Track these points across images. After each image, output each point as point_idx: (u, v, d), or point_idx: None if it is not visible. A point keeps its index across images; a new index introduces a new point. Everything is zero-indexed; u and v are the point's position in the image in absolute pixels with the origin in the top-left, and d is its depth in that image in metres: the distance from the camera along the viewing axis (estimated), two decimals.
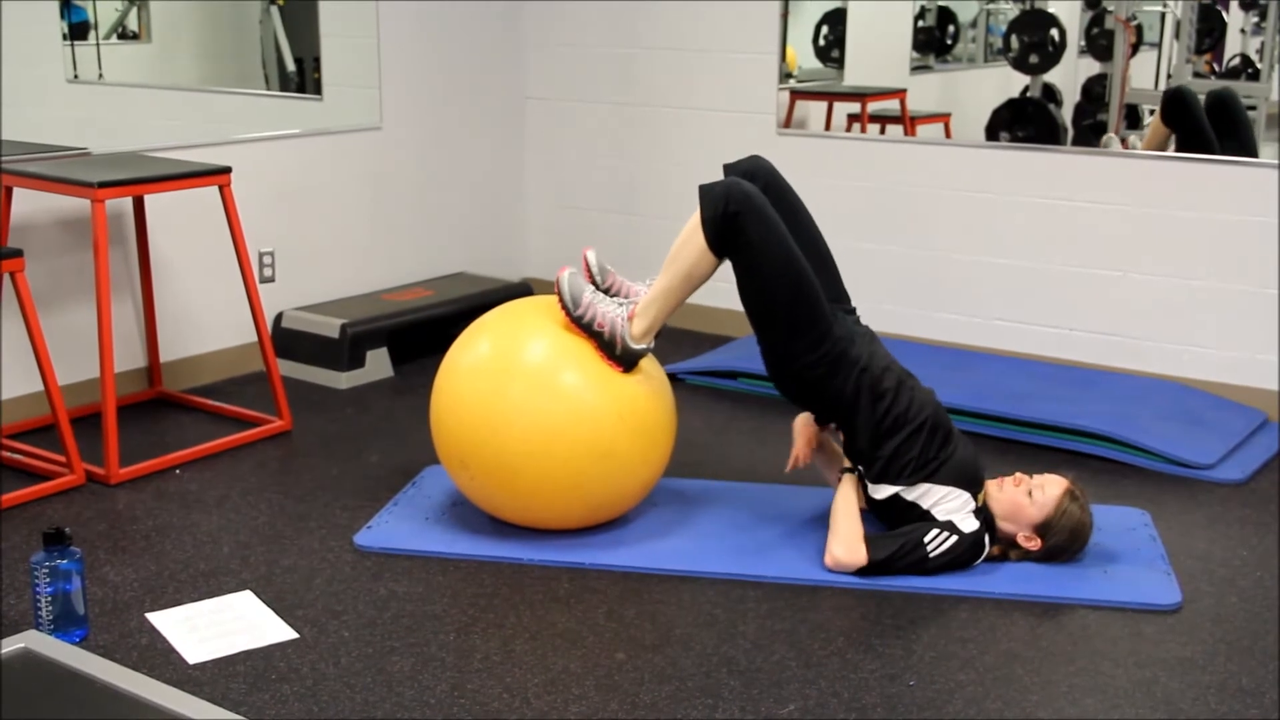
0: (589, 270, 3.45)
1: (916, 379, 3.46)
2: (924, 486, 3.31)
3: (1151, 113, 5.57)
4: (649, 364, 3.49)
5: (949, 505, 3.29)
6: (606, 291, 3.45)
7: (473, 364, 3.42)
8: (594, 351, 3.35)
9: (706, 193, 3.27)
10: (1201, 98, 5.01)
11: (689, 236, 3.31)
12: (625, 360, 3.35)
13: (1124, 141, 5.28)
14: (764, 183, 3.39)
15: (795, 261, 3.27)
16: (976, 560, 3.31)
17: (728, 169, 3.48)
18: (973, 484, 3.34)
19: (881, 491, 3.36)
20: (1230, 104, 4.97)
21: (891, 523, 3.37)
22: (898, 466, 3.32)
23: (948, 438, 3.37)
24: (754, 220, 3.23)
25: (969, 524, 3.27)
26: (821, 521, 3.57)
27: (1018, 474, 3.39)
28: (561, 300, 3.33)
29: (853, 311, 3.50)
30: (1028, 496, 3.31)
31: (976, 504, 3.31)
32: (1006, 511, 3.33)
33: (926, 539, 3.24)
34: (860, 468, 3.41)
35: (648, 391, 3.43)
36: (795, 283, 3.27)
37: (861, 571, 3.26)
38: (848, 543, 3.27)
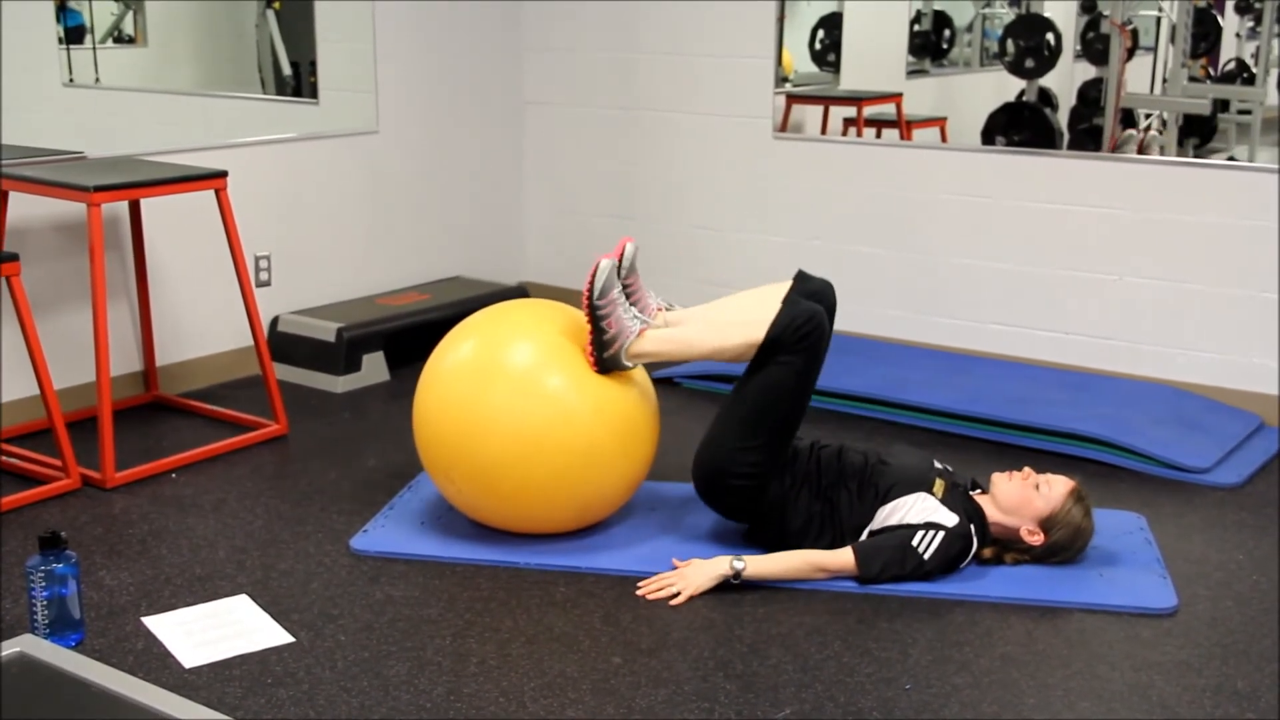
0: (620, 258, 3.42)
1: (818, 444, 3.48)
2: (884, 510, 3.32)
3: (1147, 117, 5.59)
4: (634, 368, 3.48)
5: (917, 509, 3.29)
6: (624, 286, 3.43)
7: (452, 369, 3.42)
8: (575, 351, 3.34)
9: (794, 306, 3.29)
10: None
11: (749, 326, 3.31)
12: (606, 364, 3.35)
13: (1140, 147, 5.27)
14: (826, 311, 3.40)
15: (803, 401, 3.34)
16: (967, 554, 3.30)
17: (802, 275, 3.49)
18: (921, 483, 3.34)
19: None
20: None
21: None
22: (852, 522, 3.33)
23: (877, 463, 3.39)
24: (810, 354, 3.28)
25: (949, 518, 3.27)
26: None
27: (1026, 468, 3.40)
28: (591, 284, 3.30)
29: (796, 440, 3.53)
30: (1035, 490, 3.32)
31: (937, 497, 3.31)
32: (1014, 503, 3.33)
33: (915, 542, 3.24)
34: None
35: (627, 391, 3.42)
36: (789, 416, 3.34)
37: (859, 581, 3.25)
38: (827, 563, 3.27)
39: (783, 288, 3.44)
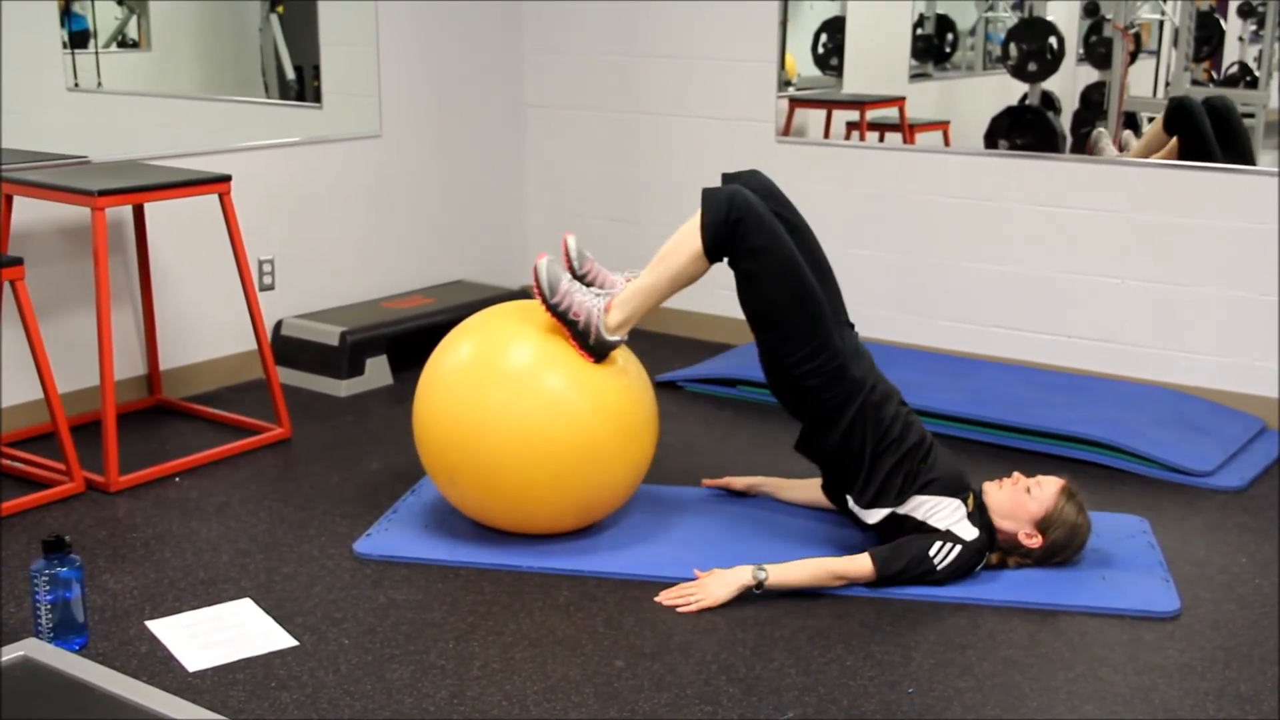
0: (568, 257, 3.43)
1: (901, 399, 3.45)
2: (915, 500, 3.31)
3: (1150, 120, 5.59)
4: (629, 362, 3.49)
5: (943, 514, 3.29)
6: (583, 278, 3.43)
7: (451, 371, 3.43)
8: (570, 348, 3.35)
9: (709, 197, 3.27)
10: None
11: (684, 238, 3.31)
12: (597, 351, 3.35)
13: (1116, 142, 5.27)
14: (763, 196, 3.37)
15: (798, 269, 3.27)
16: (977, 566, 3.31)
17: (727, 178, 3.48)
18: (959, 490, 3.34)
19: (875, 515, 3.35)
20: (1227, 115, 4.98)
21: (889, 537, 3.37)
22: (891, 489, 3.32)
23: (929, 451, 3.37)
24: (755, 227, 3.23)
25: (969, 532, 3.28)
26: (822, 525, 3.58)
27: (1015, 474, 3.40)
28: (538, 287, 3.33)
29: (852, 327, 3.49)
30: (1026, 493, 3.33)
31: (968, 509, 3.32)
32: (1007, 509, 3.34)
33: (931, 552, 3.24)
34: (848, 496, 3.40)
35: (626, 388, 3.43)
36: (796, 291, 3.26)
37: (871, 585, 3.26)
38: (845, 571, 3.27)
39: None
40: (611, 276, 3.47)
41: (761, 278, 3.26)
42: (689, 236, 3.29)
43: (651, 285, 3.35)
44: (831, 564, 3.28)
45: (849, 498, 3.40)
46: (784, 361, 3.31)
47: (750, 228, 3.23)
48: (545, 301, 3.32)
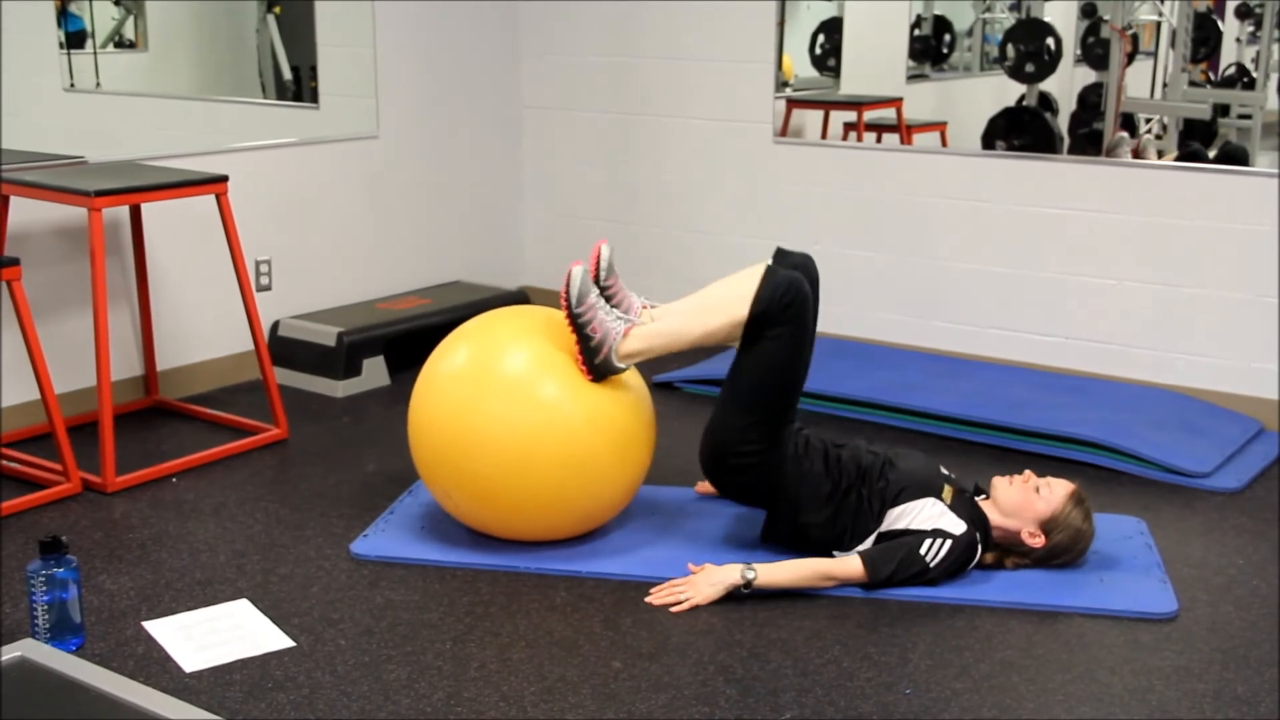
0: (597, 264, 3.41)
1: (833, 443, 3.48)
2: (893, 513, 3.32)
3: (1147, 121, 5.60)
4: (628, 374, 3.47)
5: (925, 514, 3.29)
6: (605, 290, 3.43)
7: (448, 377, 3.41)
8: (569, 360, 3.33)
9: (772, 275, 3.27)
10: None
11: (731, 303, 3.28)
12: (600, 371, 3.33)
13: (1134, 151, 5.28)
14: (810, 283, 3.38)
15: (798, 369, 3.32)
16: (971, 561, 3.31)
17: (781, 253, 3.47)
18: (931, 488, 3.34)
19: (866, 546, 3.35)
20: (1234, 160, 5.03)
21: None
22: (865, 518, 3.33)
23: (884, 468, 3.38)
24: (796, 320, 3.26)
25: (957, 526, 3.28)
26: None
27: (1027, 471, 3.41)
28: (566, 293, 3.31)
29: (799, 430, 3.50)
30: (1036, 493, 3.33)
31: (946, 502, 3.32)
32: (1014, 506, 3.34)
33: (923, 550, 3.24)
34: (836, 553, 3.38)
35: (622, 401, 3.41)
36: (787, 389, 3.32)
37: (865, 588, 3.26)
38: (835, 572, 3.27)
39: (761, 267, 3.43)
40: (632, 299, 3.46)
41: (770, 361, 3.28)
42: (736, 304, 3.27)
43: (680, 333, 3.36)
44: (821, 564, 3.29)
45: (837, 554, 3.39)
46: (738, 439, 3.32)
47: (793, 314, 3.25)
48: (569, 310, 3.30)
